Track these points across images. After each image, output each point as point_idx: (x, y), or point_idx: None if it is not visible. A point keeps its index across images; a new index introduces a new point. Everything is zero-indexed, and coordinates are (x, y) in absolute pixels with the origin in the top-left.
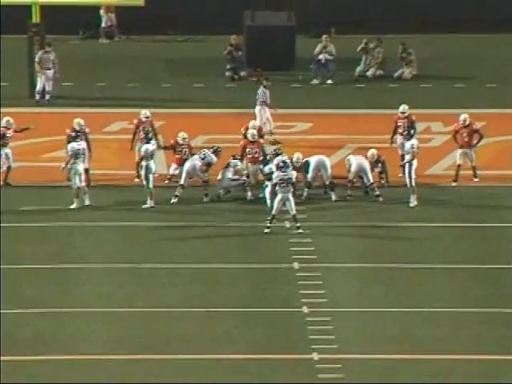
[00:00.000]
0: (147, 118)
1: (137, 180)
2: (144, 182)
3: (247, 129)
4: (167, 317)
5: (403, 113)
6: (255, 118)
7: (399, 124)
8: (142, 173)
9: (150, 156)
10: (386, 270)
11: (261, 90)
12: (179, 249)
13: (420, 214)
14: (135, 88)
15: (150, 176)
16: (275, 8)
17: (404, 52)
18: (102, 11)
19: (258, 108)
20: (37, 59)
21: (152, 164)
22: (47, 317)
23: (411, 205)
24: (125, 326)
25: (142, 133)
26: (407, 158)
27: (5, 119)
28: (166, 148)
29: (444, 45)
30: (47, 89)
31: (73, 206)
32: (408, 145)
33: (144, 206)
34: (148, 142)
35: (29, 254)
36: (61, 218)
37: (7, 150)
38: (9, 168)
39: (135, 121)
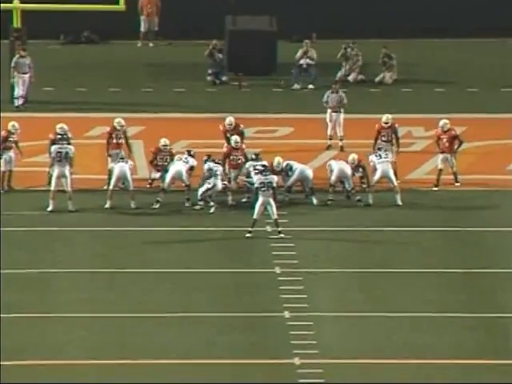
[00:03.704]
0: (122, 126)
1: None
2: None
3: (225, 127)
4: (148, 322)
5: (386, 123)
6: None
7: (383, 133)
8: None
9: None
10: (367, 274)
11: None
12: (160, 254)
13: (401, 219)
14: (116, 93)
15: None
16: (256, 13)
17: (385, 57)
18: (142, 17)
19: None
20: (13, 64)
21: (116, 167)
22: (26, 323)
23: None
24: (105, 331)
25: (114, 140)
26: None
27: (10, 124)
28: (152, 162)
29: (425, 50)
30: (22, 93)
31: (49, 209)
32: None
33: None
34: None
35: (7, 259)
36: (41, 223)
37: (10, 154)
38: (10, 172)
39: (108, 128)
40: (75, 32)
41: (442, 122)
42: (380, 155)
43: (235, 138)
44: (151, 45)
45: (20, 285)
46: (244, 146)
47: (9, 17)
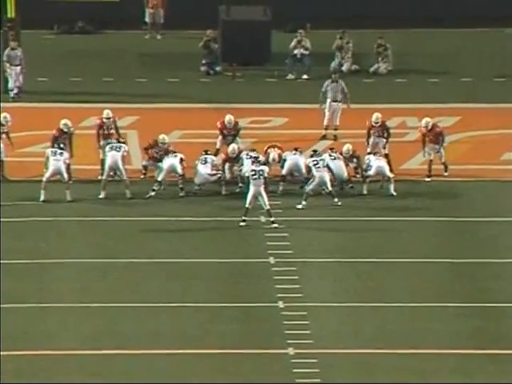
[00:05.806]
0: (108, 118)
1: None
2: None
3: (223, 123)
4: (142, 312)
5: (377, 123)
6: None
7: (373, 131)
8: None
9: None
10: (361, 264)
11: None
12: (154, 243)
13: (395, 209)
14: (110, 83)
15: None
16: (250, 2)
17: (380, 47)
18: (148, 10)
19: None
20: (4, 57)
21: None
22: (21, 313)
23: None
24: (99, 321)
25: (105, 131)
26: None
27: (2, 115)
28: (146, 149)
29: (419, 40)
30: (15, 85)
31: (41, 199)
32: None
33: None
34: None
35: (3, 249)
36: (35, 213)
37: (1, 145)
38: (2, 162)
39: (98, 121)
40: (69, 22)
41: (424, 121)
42: (377, 154)
43: (233, 147)
44: (146, 36)
45: (14, 275)
46: (240, 147)
47: (2, 7)
